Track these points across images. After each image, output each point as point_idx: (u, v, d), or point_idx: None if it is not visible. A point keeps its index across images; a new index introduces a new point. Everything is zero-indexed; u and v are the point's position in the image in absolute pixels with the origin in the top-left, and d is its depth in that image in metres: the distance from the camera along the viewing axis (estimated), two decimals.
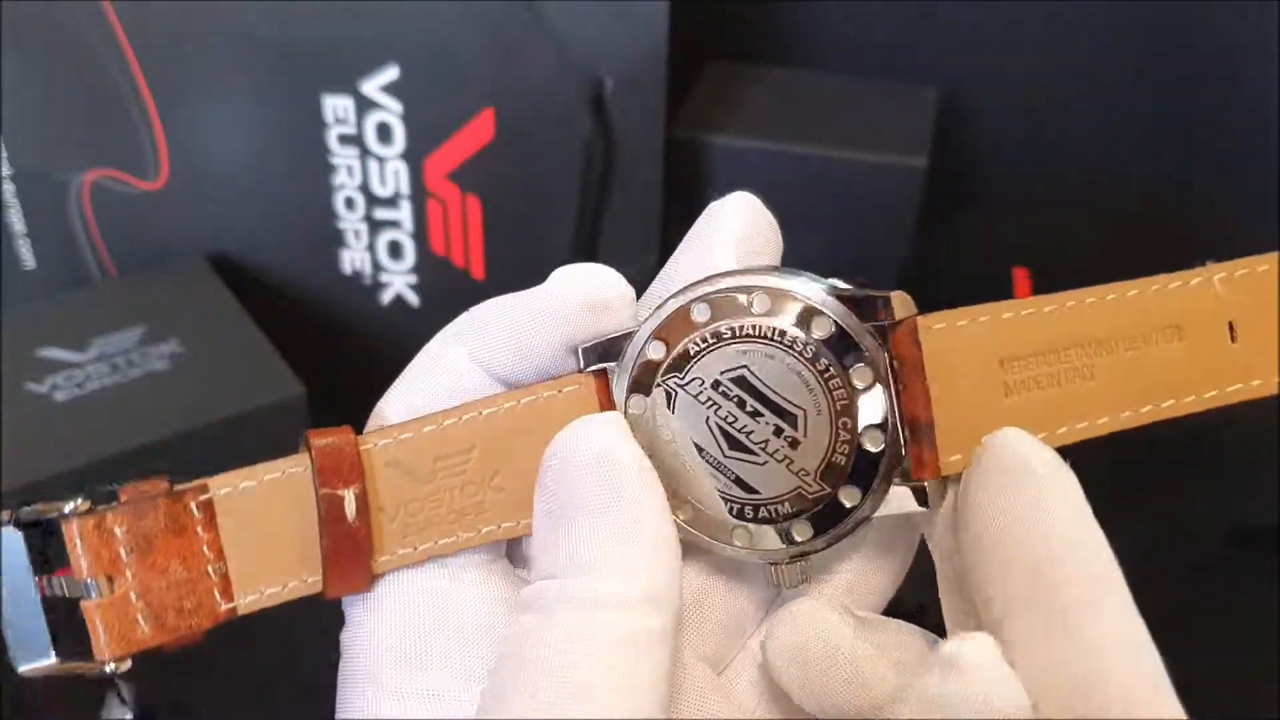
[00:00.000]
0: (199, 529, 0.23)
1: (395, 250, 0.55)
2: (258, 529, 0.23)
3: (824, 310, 0.23)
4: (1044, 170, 0.65)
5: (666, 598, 0.21)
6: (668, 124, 0.52)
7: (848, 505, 0.24)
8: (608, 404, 0.24)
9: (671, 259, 0.26)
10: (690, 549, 0.26)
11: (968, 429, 0.23)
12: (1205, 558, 0.49)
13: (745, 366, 0.24)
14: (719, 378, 0.24)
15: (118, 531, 0.22)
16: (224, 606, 0.23)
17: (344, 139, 0.52)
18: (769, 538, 0.24)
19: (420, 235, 0.54)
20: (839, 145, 0.55)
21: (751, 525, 0.24)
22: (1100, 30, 0.60)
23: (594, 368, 0.24)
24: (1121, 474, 0.49)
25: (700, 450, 0.24)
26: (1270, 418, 0.51)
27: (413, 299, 0.56)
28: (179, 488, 0.23)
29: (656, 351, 0.24)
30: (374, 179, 0.53)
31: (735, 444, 0.24)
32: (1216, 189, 0.61)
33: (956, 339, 0.23)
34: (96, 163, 0.53)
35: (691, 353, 0.24)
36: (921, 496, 0.24)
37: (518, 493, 0.24)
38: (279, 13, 0.49)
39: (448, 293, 0.55)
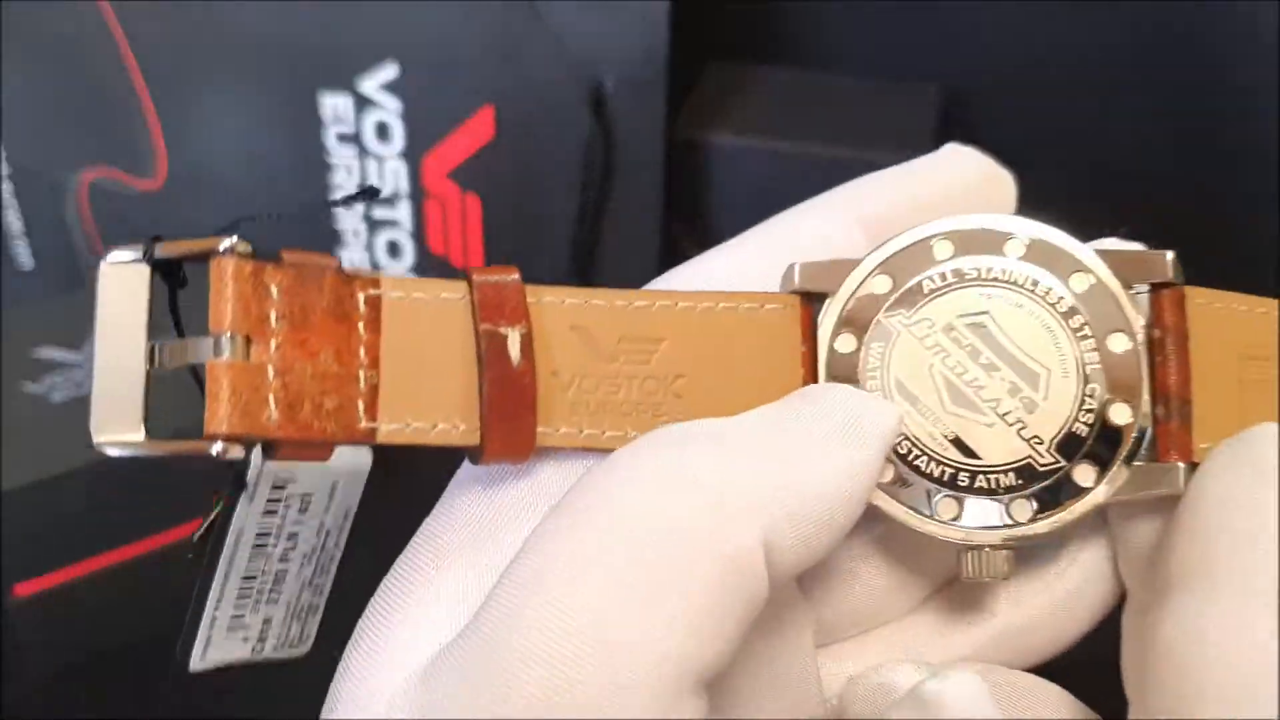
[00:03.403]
0: (360, 325, 0.20)
1: (394, 250, 0.55)
2: (419, 350, 0.20)
3: (1086, 263, 0.21)
4: (1045, 170, 0.64)
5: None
6: (668, 124, 0.52)
7: (1081, 484, 0.21)
8: (808, 333, 0.21)
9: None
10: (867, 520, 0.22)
11: (1216, 416, 0.21)
12: None
13: (987, 313, 0.21)
14: (954, 321, 0.21)
15: (274, 289, 0.19)
16: (364, 424, 0.19)
17: (342, 138, 0.52)
18: (981, 512, 0.21)
19: (419, 235, 0.54)
20: (841, 145, 0.55)
21: (962, 496, 0.21)
22: (1101, 30, 0.60)
23: (803, 289, 0.22)
24: None
25: (915, 401, 0.21)
26: None
27: None
28: (349, 270, 0.20)
29: (881, 285, 0.21)
30: (373, 178, 0.53)
31: (960, 398, 0.21)
32: (1218, 188, 0.61)
33: (1216, 319, 0.21)
34: (94, 162, 0.53)
35: (925, 290, 0.21)
36: (1160, 478, 0.21)
37: (697, 405, 0.21)
38: (276, 11, 0.49)
39: None
